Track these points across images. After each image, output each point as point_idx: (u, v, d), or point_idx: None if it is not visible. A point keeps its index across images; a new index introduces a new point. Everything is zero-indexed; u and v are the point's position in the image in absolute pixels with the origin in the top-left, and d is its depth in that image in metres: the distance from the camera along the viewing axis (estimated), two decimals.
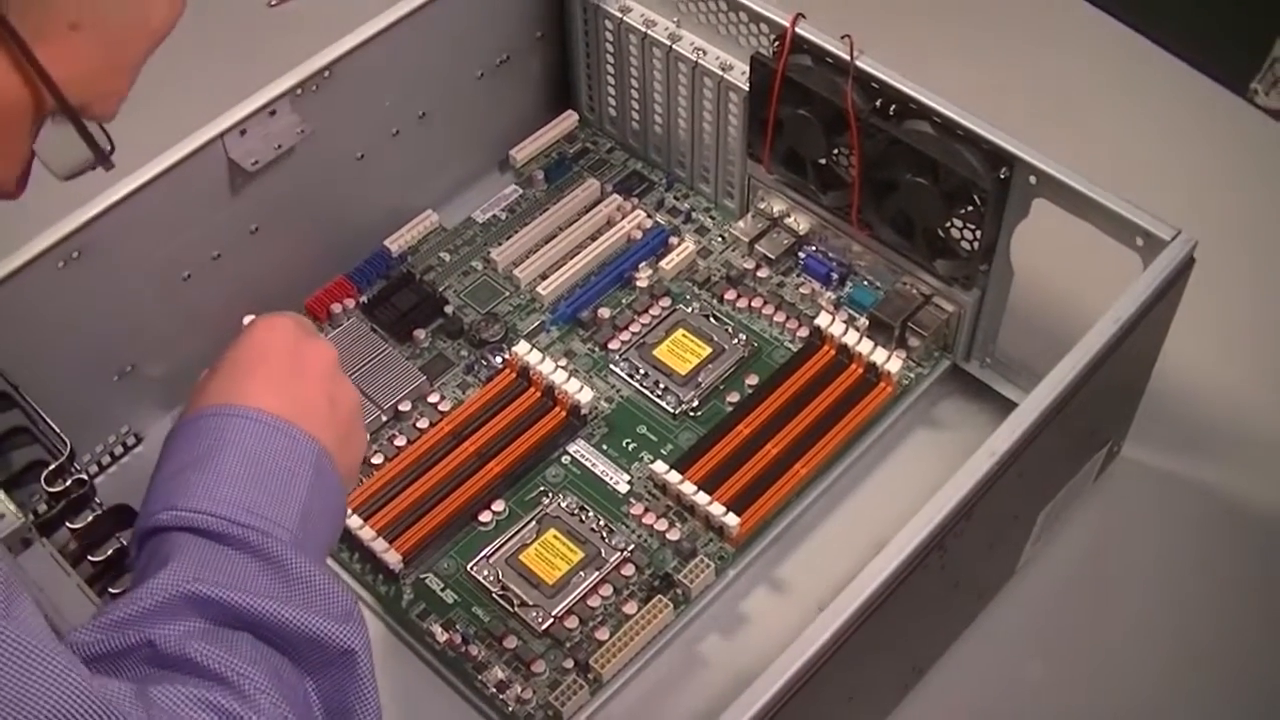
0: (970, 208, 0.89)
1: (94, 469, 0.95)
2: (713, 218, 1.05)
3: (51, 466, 0.79)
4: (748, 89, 0.96)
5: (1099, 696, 0.86)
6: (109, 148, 0.69)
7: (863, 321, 0.97)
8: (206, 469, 0.63)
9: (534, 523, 0.90)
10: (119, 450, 0.96)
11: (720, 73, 0.97)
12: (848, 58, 0.89)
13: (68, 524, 0.80)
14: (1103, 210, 0.84)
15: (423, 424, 0.94)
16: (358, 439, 0.72)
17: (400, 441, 0.94)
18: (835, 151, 0.94)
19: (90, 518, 0.80)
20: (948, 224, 0.91)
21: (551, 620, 0.85)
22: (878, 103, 0.90)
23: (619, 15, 1.02)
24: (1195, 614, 0.90)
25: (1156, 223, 0.82)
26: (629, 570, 0.87)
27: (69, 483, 0.79)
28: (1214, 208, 1.07)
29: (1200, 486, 0.95)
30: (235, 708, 0.57)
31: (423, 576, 0.88)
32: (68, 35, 0.59)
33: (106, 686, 0.53)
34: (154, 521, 0.62)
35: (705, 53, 0.98)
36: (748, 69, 0.95)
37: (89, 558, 0.80)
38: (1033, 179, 0.85)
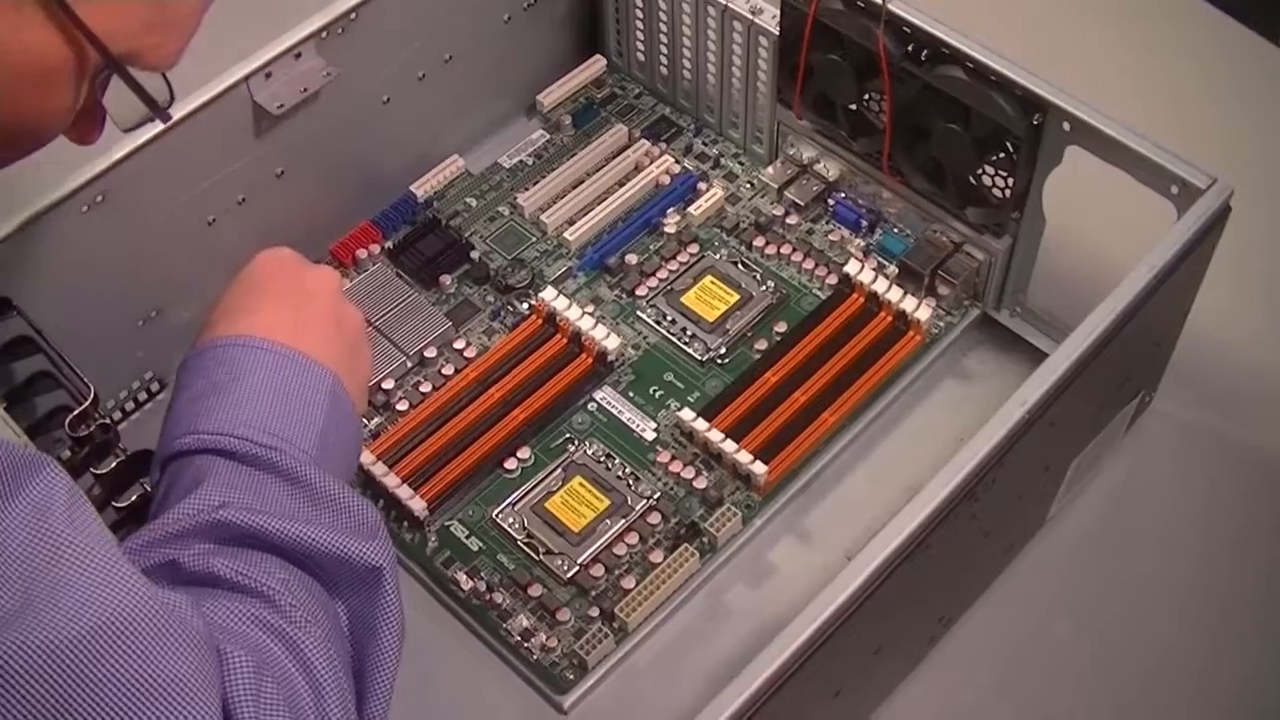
0: (1002, 154, 0.87)
1: (118, 415, 0.94)
2: (741, 164, 1.04)
3: (75, 412, 0.79)
4: (778, 33, 0.94)
5: (1124, 653, 0.85)
6: (168, 99, 0.69)
7: (892, 269, 0.96)
8: (226, 395, 0.65)
9: (560, 470, 0.89)
10: (143, 396, 0.95)
11: (750, 16, 0.96)
12: (880, 1, 0.87)
13: (92, 470, 0.79)
14: (1137, 158, 0.82)
15: (448, 370, 0.94)
16: (364, 359, 0.74)
17: (425, 388, 0.93)
18: (866, 97, 0.93)
19: (114, 463, 0.80)
20: (979, 171, 0.90)
21: (577, 568, 0.85)
22: (910, 47, 0.88)
23: None
24: (1225, 569, 0.89)
25: (1192, 170, 0.81)
26: (655, 519, 0.87)
27: (92, 428, 0.79)
28: (1250, 157, 1.05)
29: (1233, 439, 0.94)
30: (274, 620, 0.58)
31: (447, 524, 0.88)
32: None
33: (166, 593, 0.54)
34: (176, 446, 0.64)
35: None
36: (778, 12, 0.93)
37: (113, 503, 0.80)
38: (1066, 125, 0.84)
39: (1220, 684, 0.84)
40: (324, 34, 0.91)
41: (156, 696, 0.51)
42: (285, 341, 0.68)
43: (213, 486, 0.61)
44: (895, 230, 0.98)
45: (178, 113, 0.87)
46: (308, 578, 0.61)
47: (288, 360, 0.67)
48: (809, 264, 0.98)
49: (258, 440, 0.63)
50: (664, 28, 1.04)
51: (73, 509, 0.52)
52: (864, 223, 0.99)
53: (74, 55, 0.61)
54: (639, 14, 1.05)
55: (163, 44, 0.65)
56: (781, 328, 0.95)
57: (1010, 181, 0.88)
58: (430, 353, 0.95)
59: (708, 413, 0.90)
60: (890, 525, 0.69)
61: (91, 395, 0.80)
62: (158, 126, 0.85)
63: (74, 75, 0.62)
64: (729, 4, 0.97)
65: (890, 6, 0.87)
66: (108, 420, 0.80)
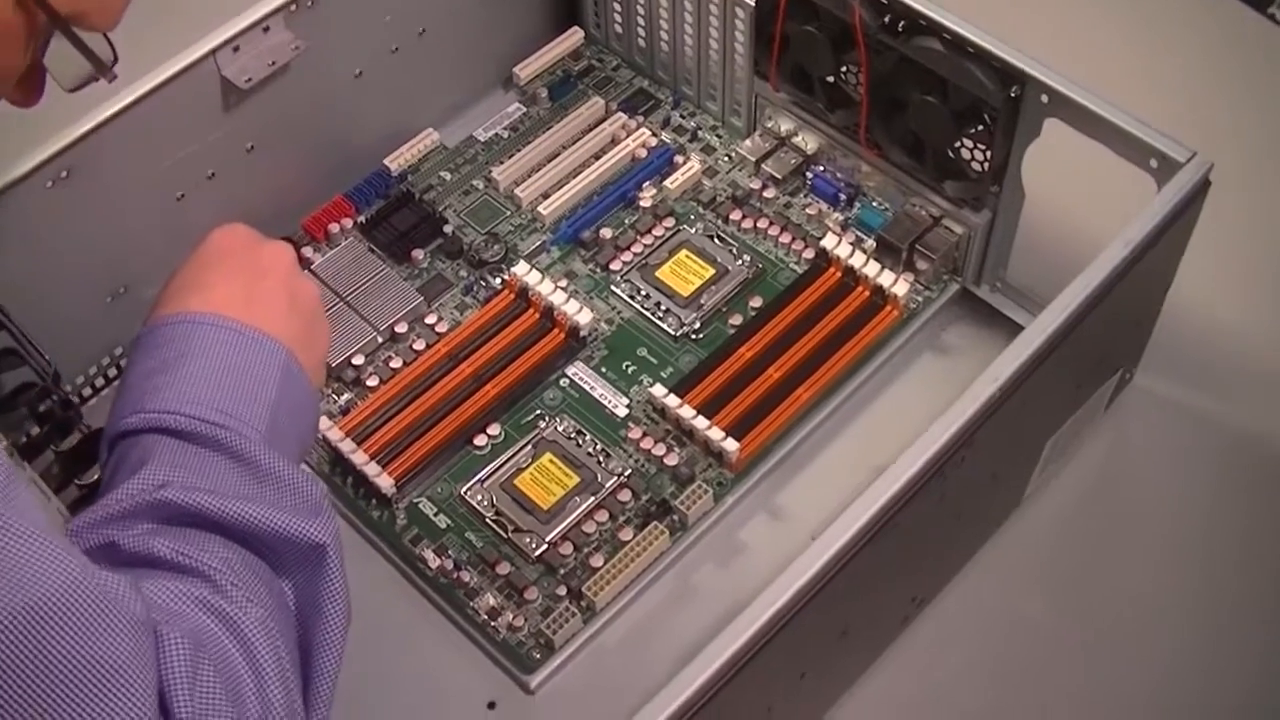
0: (980, 127, 0.86)
1: (88, 391, 0.93)
2: (719, 136, 1.03)
3: (35, 389, 0.78)
4: (754, 3, 0.93)
5: (1101, 633, 0.84)
6: (112, 59, 0.68)
7: (870, 243, 0.95)
8: (174, 372, 0.64)
9: (530, 446, 0.88)
10: (113, 373, 0.94)
11: None
12: None
13: (53, 447, 0.79)
14: (1116, 131, 0.81)
15: (419, 346, 0.93)
16: (320, 334, 0.73)
17: (396, 364, 0.92)
18: (843, 69, 0.91)
19: (75, 441, 0.79)
20: (957, 144, 0.88)
21: (545, 546, 0.84)
22: (886, 19, 0.87)
23: None
24: (1204, 547, 0.88)
25: (1171, 144, 0.79)
26: (625, 496, 0.86)
27: (53, 405, 0.78)
28: (1234, 130, 1.04)
29: (1215, 416, 0.92)
30: (214, 599, 0.58)
31: (416, 501, 0.87)
32: None
33: (103, 574, 0.53)
34: (123, 425, 0.63)
35: None
36: None
37: (76, 481, 0.79)
38: (1045, 98, 0.82)
39: (1199, 663, 0.83)
40: (293, 7, 0.90)
41: (90, 679, 0.51)
42: (237, 317, 0.67)
43: (157, 466, 0.61)
44: (874, 204, 0.97)
45: (143, 87, 0.86)
46: (251, 557, 0.61)
47: (239, 336, 0.66)
48: (786, 238, 0.96)
49: (205, 418, 0.62)
50: (641, 0, 1.02)
51: (7, 489, 0.51)
52: (842, 196, 0.97)
53: (24, 16, 0.61)
54: None
55: (106, 4, 0.65)
56: (757, 303, 0.94)
57: (988, 154, 0.87)
58: (401, 328, 0.94)
59: (680, 389, 0.89)
60: (853, 506, 0.68)
61: (52, 372, 0.80)
62: (122, 101, 0.85)
63: (23, 36, 0.62)
64: None
65: None
66: (69, 398, 0.79)
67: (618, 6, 1.05)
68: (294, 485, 0.63)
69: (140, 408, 0.63)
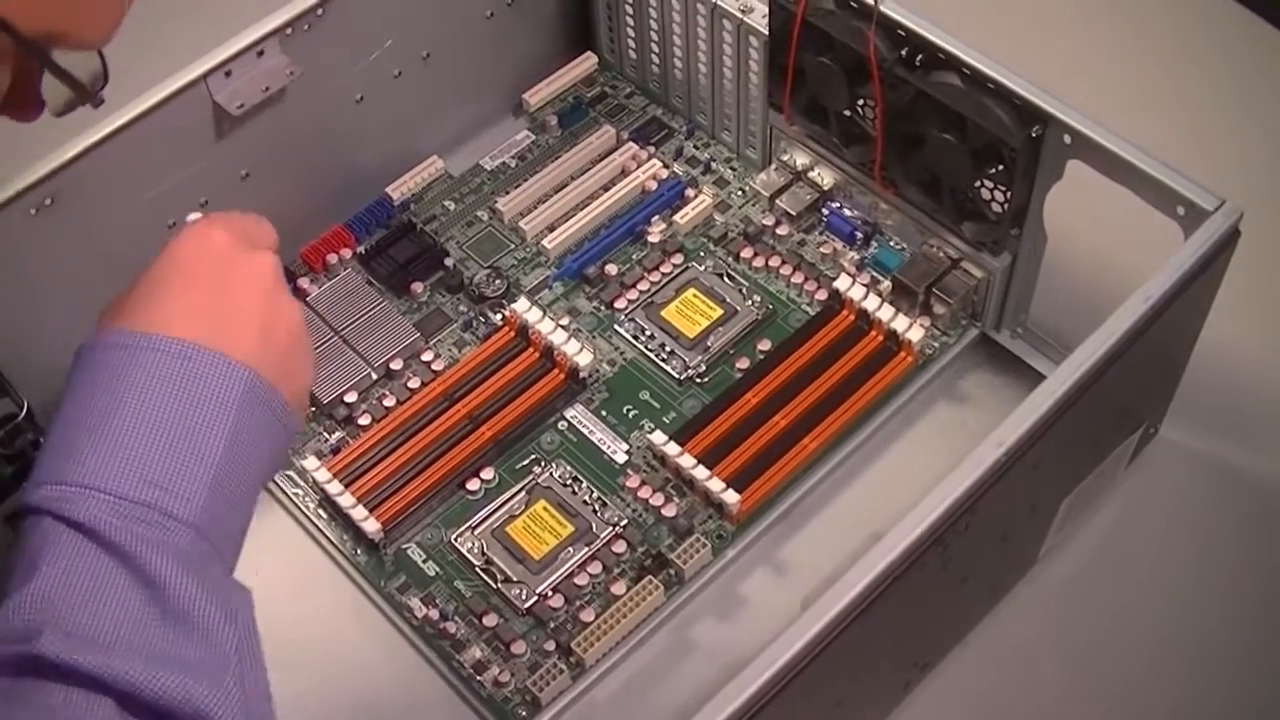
0: (1000, 167, 0.82)
1: None
2: (733, 169, 0.99)
3: (6, 428, 0.75)
4: (767, 32, 0.89)
5: (1119, 700, 0.80)
6: (102, 81, 0.64)
7: (886, 285, 0.91)
8: (101, 427, 0.56)
9: (524, 493, 0.85)
10: None
11: (740, 15, 0.91)
12: (871, 2, 0.82)
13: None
14: (1141, 176, 0.77)
15: (414, 384, 0.90)
16: (300, 363, 0.64)
17: (390, 402, 0.89)
18: (860, 103, 0.88)
19: None
20: (976, 184, 0.84)
21: (535, 599, 0.81)
22: (903, 51, 0.83)
23: None
24: (1229, 611, 0.83)
25: (1200, 191, 0.75)
26: (620, 547, 0.82)
27: (25, 443, 0.75)
28: (1270, 170, 0.99)
29: (1243, 472, 0.88)
30: None
31: (404, 546, 0.84)
32: None
33: None
34: (33, 498, 0.55)
35: None
36: (768, 11, 0.88)
37: None
38: (1067, 139, 0.78)
39: None
40: (288, 30, 0.87)
41: None
42: (197, 338, 0.59)
43: (44, 580, 0.53)
44: (892, 244, 0.93)
45: (131, 112, 0.83)
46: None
47: (185, 363, 0.58)
48: (798, 278, 0.93)
49: (126, 495, 0.54)
50: (654, 25, 0.99)
51: None
52: (859, 235, 0.93)
53: None
54: (629, 10, 1.00)
55: (89, 21, 0.60)
56: (766, 346, 0.90)
57: (1009, 196, 0.83)
58: (396, 365, 0.91)
59: (681, 436, 0.85)
60: (846, 577, 0.64)
61: (24, 408, 0.77)
62: (108, 126, 0.82)
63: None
64: (718, 2, 0.92)
65: (883, 8, 0.82)
66: (39, 438, 0.77)
67: (632, 31, 1.02)
68: (204, 630, 0.54)
69: (55, 475, 0.55)
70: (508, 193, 0.98)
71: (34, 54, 0.59)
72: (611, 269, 0.94)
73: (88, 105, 0.65)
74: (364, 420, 0.88)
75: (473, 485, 0.86)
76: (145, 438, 0.56)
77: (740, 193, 0.98)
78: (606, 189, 0.98)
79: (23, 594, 0.53)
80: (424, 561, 0.83)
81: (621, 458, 0.86)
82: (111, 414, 0.56)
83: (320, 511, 0.86)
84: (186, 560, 0.55)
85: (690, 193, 0.97)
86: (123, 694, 0.51)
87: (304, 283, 0.94)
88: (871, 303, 0.89)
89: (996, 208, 0.84)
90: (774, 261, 0.94)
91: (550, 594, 0.81)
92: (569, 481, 0.85)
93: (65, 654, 0.51)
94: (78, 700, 0.51)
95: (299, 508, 0.86)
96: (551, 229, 0.96)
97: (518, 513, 0.84)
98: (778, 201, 0.95)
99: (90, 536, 0.54)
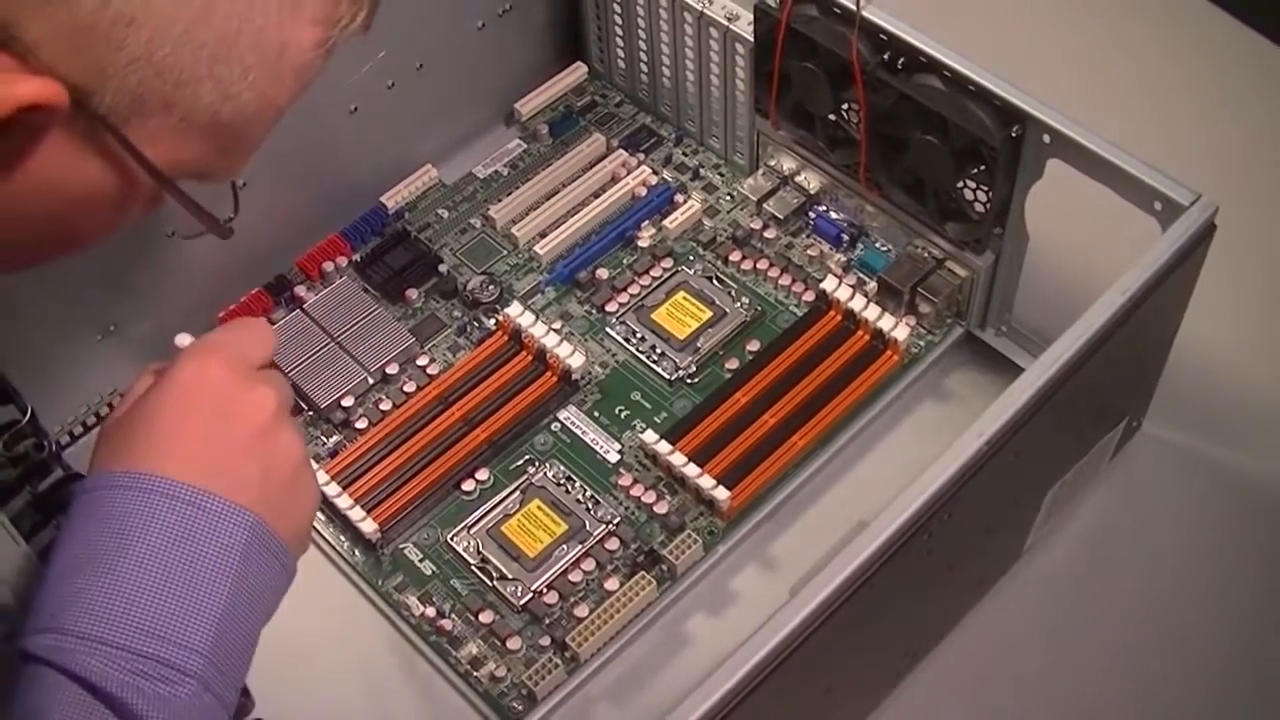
0: (981, 167, 0.84)
1: (79, 429, 0.92)
2: (721, 175, 1.01)
3: (11, 431, 0.77)
4: (753, 39, 0.91)
5: (1103, 690, 0.81)
6: (232, 213, 0.66)
7: (872, 286, 0.92)
8: (105, 572, 0.56)
9: (518, 493, 0.86)
10: (105, 411, 0.93)
11: (726, 23, 0.93)
12: (854, 7, 0.84)
13: (29, 489, 0.77)
14: (1118, 172, 0.78)
15: (409, 388, 0.91)
16: (303, 497, 0.63)
17: (386, 405, 0.91)
18: (844, 107, 0.89)
19: (53, 480, 0.78)
20: (959, 184, 0.86)
21: (530, 595, 0.82)
22: (885, 55, 0.85)
23: None
24: (1214, 602, 0.85)
25: (1175, 186, 0.77)
26: (613, 544, 0.84)
27: (27, 446, 0.77)
28: (1248, 166, 1.01)
29: (1225, 465, 0.89)
30: None
31: (401, 546, 0.85)
32: (166, 123, 0.56)
33: None
34: (36, 646, 0.55)
35: (711, 1, 0.94)
36: (753, 19, 0.90)
37: (54, 522, 0.78)
38: (1046, 138, 0.80)
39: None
40: None
41: None
42: (198, 482, 0.58)
43: None
44: (877, 245, 0.95)
45: None
46: None
47: (193, 510, 0.57)
48: (786, 280, 0.94)
49: (130, 647, 0.54)
50: (643, 35, 1.01)
51: None
52: (845, 237, 0.95)
53: (126, 182, 0.57)
54: (618, 20, 1.02)
55: (228, 165, 0.61)
56: (754, 346, 0.92)
57: (990, 195, 0.84)
58: (392, 369, 0.92)
59: (672, 435, 0.87)
60: (832, 564, 0.65)
61: (28, 412, 0.78)
62: None
63: (117, 200, 0.58)
64: (705, 10, 0.93)
65: (865, 13, 0.84)
66: (42, 440, 0.78)
67: (621, 42, 1.03)
68: None
69: (56, 624, 0.55)
70: (500, 200, 1.00)
71: (173, 193, 0.60)
72: (603, 273, 0.96)
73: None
74: (361, 424, 0.90)
75: (468, 486, 0.87)
76: (150, 587, 0.56)
77: (728, 197, 1.00)
78: (597, 195, 0.99)
79: None
80: (421, 560, 0.85)
81: (614, 457, 0.88)
82: (115, 561, 0.56)
83: (318, 513, 0.87)
84: (188, 715, 0.55)
85: (679, 198, 0.99)
86: None
87: (300, 290, 0.96)
88: (858, 303, 0.90)
89: (979, 207, 0.86)
90: (762, 264, 0.95)
91: (545, 591, 0.82)
92: (562, 481, 0.87)
93: None
94: None
95: None
96: (543, 235, 0.98)
97: (512, 512, 0.86)
98: (765, 205, 0.97)
99: (91, 692, 0.54)
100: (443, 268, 0.97)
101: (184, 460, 0.58)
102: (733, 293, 0.94)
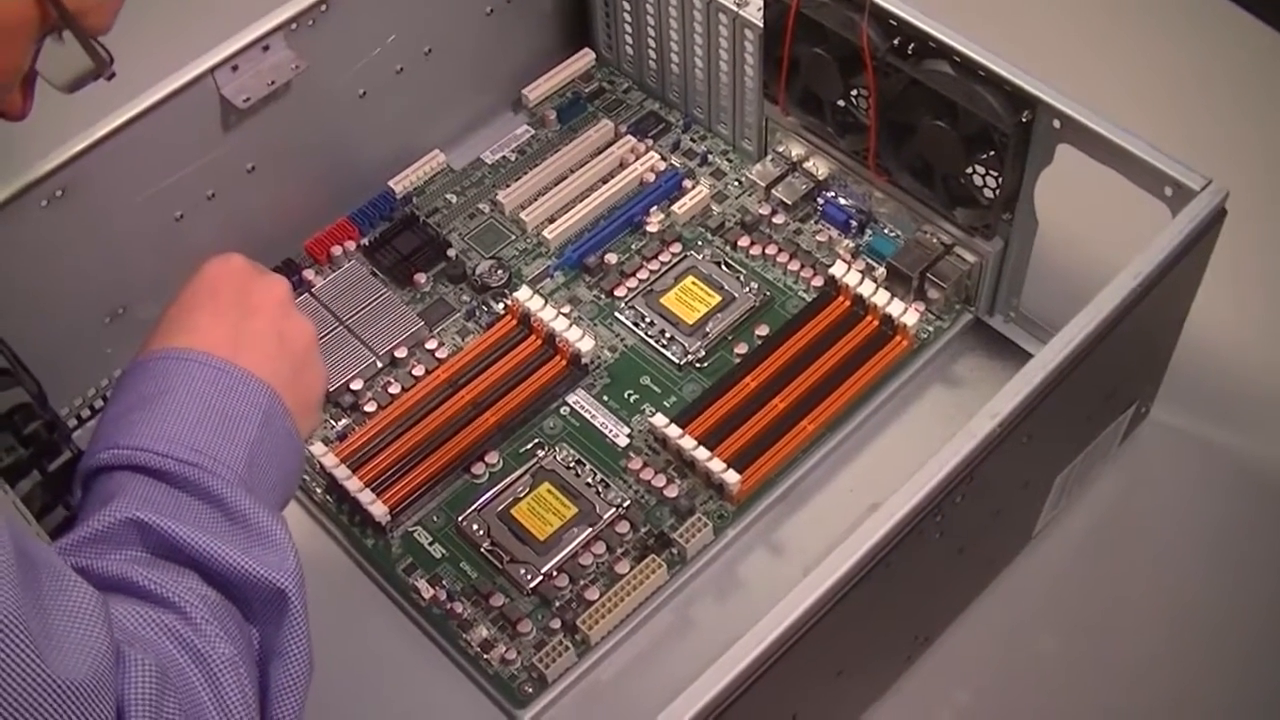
0: (991, 153, 0.84)
1: (86, 412, 0.92)
2: (730, 160, 1.01)
3: (19, 409, 0.77)
4: (762, 25, 0.91)
5: (1113, 674, 0.81)
6: (108, 59, 0.69)
7: (881, 271, 0.93)
8: (151, 409, 0.62)
9: (528, 476, 0.86)
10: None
11: (735, 8, 0.93)
12: None
13: (40, 469, 0.77)
14: (1129, 157, 0.78)
15: (419, 371, 0.91)
16: (312, 376, 0.70)
17: (395, 389, 0.91)
18: (853, 93, 0.89)
19: (63, 460, 0.77)
20: (968, 170, 0.86)
21: (540, 578, 0.82)
22: (895, 41, 0.85)
23: None
24: (1223, 586, 0.85)
25: (1186, 171, 0.77)
26: (623, 528, 0.84)
27: (38, 425, 0.77)
28: (1255, 154, 1.01)
29: (1234, 451, 0.89)
30: (184, 631, 0.56)
31: (411, 530, 0.85)
32: None
33: (77, 587, 0.53)
34: (96, 461, 0.61)
35: None
36: (762, 4, 0.90)
37: (65, 502, 0.78)
38: (1056, 123, 0.80)
39: (1218, 704, 0.81)
40: (293, 25, 0.89)
41: (48, 694, 0.49)
42: (223, 356, 0.65)
43: (128, 500, 0.59)
44: (886, 231, 0.95)
45: (139, 105, 0.85)
46: (224, 598, 0.59)
47: (221, 374, 0.64)
48: (795, 265, 0.94)
49: (179, 456, 0.60)
50: (651, 20, 1.01)
51: None
52: (853, 223, 0.95)
53: (37, 13, 0.63)
54: (626, 6, 1.02)
55: (103, 5, 0.66)
56: (763, 331, 0.92)
57: (1000, 181, 0.84)
58: (401, 353, 0.92)
59: (681, 419, 0.87)
60: (846, 543, 0.65)
61: (37, 391, 0.78)
62: (117, 120, 0.84)
63: (33, 31, 0.64)
64: None
65: None
66: (55, 420, 0.78)
67: (629, 28, 1.03)
68: (262, 529, 0.61)
69: (114, 444, 0.61)
70: (508, 185, 1.00)
71: (73, 28, 0.65)
72: (611, 258, 0.96)
73: (100, 80, 0.70)
74: (370, 407, 0.90)
75: (478, 469, 0.87)
76: (190, 417, 0.62)
77: (737, 183, 1.00)
78: (605, 181, 1.00)
79: (109, 507, 0.59)
80: (430, 544, 0.85)
81: (623, 441, 0.88)
82: (159, 400, 0.63)
83: (328, 496, 0.87)
84: (241, 484, 0.62)
85: (688, 184, 0.99)
86: (210, 569, 0.59)
87: (309, 274, 0.96)
88: (867, 288, 0.91)
89: (988, 193, 0.86)
90: (770, 250, 0.95)
91: (555, 574, 0.82)
92: (572, 464, 0.87)
93: (164, 524, 0.58)
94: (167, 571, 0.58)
95: (307, 493, 0.88)
96: (552, 220, 0.98)
97: (522, 495, 0.86)
98: (774, 191, 0.97)
99: (154, 475, 0.60)
100: (451, 252, 0.97)
101: (208, 334, 0.66)
102: (741, 278, 0.94)
